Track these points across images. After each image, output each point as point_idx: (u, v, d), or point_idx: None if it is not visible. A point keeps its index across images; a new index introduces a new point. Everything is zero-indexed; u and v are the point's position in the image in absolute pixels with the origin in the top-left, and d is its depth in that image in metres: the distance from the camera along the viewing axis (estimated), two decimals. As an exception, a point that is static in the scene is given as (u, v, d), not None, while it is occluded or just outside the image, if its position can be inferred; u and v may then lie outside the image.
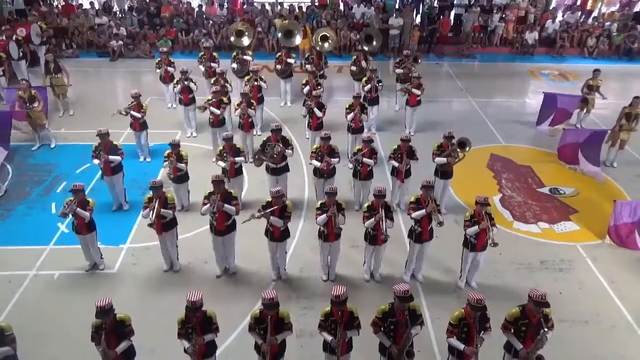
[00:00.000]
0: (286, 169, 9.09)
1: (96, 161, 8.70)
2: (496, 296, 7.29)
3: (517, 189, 10.32)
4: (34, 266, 7.91)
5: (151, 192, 7.25)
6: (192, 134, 11.88)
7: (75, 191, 7.16)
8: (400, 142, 8.73)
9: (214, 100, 10.37)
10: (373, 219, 6.95)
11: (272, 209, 6.97)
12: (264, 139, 8.96)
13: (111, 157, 8.66)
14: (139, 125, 10.48)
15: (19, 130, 11.42)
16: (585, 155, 10.72)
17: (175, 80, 11.58)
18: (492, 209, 9.23)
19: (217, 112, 10.34)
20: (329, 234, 7.24)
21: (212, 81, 11.70)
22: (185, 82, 11.24)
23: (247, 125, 10.42)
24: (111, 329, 5.22)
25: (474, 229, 6.91)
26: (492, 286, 7.64)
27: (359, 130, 10.43)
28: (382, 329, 5.42)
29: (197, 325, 5.31)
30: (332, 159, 8.73)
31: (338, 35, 17.66)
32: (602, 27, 19.09)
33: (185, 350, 5.37)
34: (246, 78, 11.75)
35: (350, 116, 10.20)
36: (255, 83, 11.47)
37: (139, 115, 10.31)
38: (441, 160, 8.70)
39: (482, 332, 5.36)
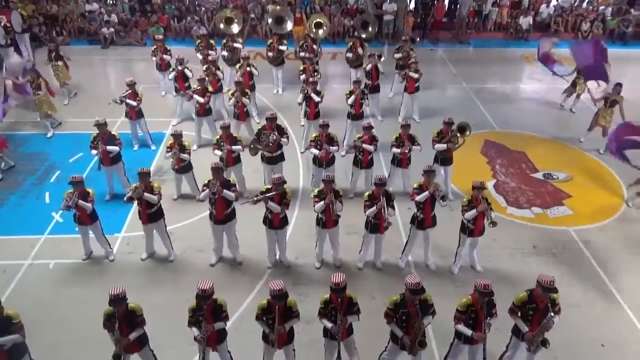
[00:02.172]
0: (281, 157, 9.07)
1: (94, 152, 8.65)
2: (491, 281, 7.39)
3: (511, 174, 10.37)
4: (29, 256, 7.90)
5: (138, 180, 7.25)
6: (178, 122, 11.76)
7: (75, 183, 7.13)
8: (401, 130, 8.75)
9: (199, 88, 10.29)
10: (374, 207, 6.98)
11: (271, 194, 6.98)
12: (260, 127, 8.94)
13: (109, 148, 8.62)
14: (135, 114, 10.41)
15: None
16: None
17: (171, 68, 11.48)
18: (487, 194, 9.32)
19: (202, 100, 10.25)
20: (327, 220, 7.26)
21: (203, 69, 11.63)
22: (180, 67, 11.17)
23: (242, 114, 10.34)
24: (123, 318, 5.26)
25: (472, 212, 6.96)
26: (486, 271, 7.70)
27: (359, 117, 10.39)
28: (394, 319, 5.46)
29: (208, 313, 5.33)
30: (331, 147, 8.72)
31: (332, 22, 17.55)
32: (596, 12, 19.08)
33: (195, 338, 5.40)
34: (237, 65, 11.66)
35: (351, 99, 10.16)
36: (247, 69, 11.39)
37: (134, 103, 10.24)
38: (441, 146, 8.72)
39: (489, 317, 5.42)
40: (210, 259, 7.82)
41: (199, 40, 12.94)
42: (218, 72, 11.36)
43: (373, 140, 8.75)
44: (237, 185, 7.49)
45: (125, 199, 7.30)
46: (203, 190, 7.16)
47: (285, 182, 7.10)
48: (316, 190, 7.22)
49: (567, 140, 11.60)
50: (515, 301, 5.57)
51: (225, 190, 7.08)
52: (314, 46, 13.17)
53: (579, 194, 9.73)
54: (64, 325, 6.67)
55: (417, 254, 7.91)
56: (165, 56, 12.55)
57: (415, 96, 11.87)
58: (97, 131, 8.65)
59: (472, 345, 5.63)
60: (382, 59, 11.89)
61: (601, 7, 19.25)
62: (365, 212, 7.10)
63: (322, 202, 7.02)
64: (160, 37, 13.12)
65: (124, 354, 5.31)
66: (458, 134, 8.65)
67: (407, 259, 7.86)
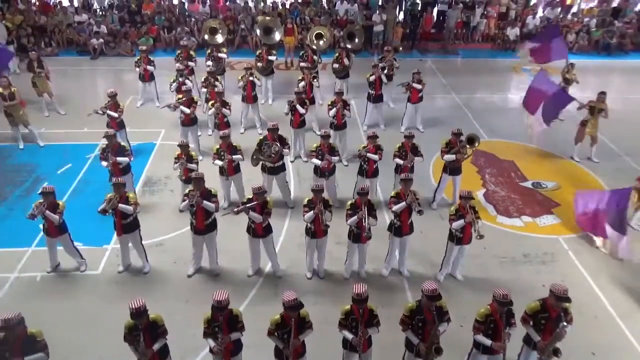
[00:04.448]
0: (283, 168, 9.08)
1: (104, 163, 8.56)
2: (481, 289, 7.40)
3: (500, 183, 10.44)
4: (16, 269, 7.77)
5: (113, 190, 7.17)
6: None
7: (45, 194, 7.07)
8: (404, 139, 8.82)
9: (184, 99, 10.26)
10: (356, 216, 6.98)
11: (252, 204, 6.96)
12: (261, 138, 8.93)
13: (119, 159, 8.55)
14: (117, 125, 10.32)
15: None
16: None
17: (172, 80, 11.46)
18: (477, 203, 9.36)
19: (188, 111, 10.21)
20: (316, 230, 7.25)
21: (202, 80, 11.60)
22: (181, 79, 11.18)
23: (222, 125, 10.30)
24: (146, 329, 5.23)
25: (460, 222, 6.98)
26: (477, 280, 7.73)
27: (342, 127, 10.48)
28: (410, 326, 5.44)
29: (224, 323, 5.29)
30: (332, 157, 8.73)
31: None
32: (582, 23, 19.42)
33: (210, 350, 5.36)
34: (240, 75, 11.67)
35: (332, 112, 10.24)
36: (250, 79, 11.40)
37: (115, 114, 10.17)
38: (450, 157, 8.77)
39: (508, 327, 5.40)
40: (196, 270, 7.77)
41: (179, 51, 13.04)
42: (217, 84, 11.35)
43: (378, 149, 8.78)
44: (217, 197, 7.38)
45: (99, 209, 7.13)
46: (183, 201, 7.12)
47: (266, 191, 7.09)
48: (306, 200, 7.22)
49: (555, 149, 11.72)
50: (528, 310, 5.56)
51: (205, 201, 7.04)
52: (314, 57, 13.29)
53: (568, 202, 9.79)
54: (52, 338, 6.49)
55: (408, 262, 7.93)
56: (148, 67, 12.61)
57: (418, 106, 11.98)
58: (107, 142, 8.58)
59: (491, 356, 5.61)
60: (386, 70, 12.02)
61: (586, 19, 19.61)
62: (347, 221, 7.11)
63: (311, 212, 7.02)
64: (144, 48, 13.15)
65: None
66: (467, 145, 8.70)
67: (392, 266, 7.86)
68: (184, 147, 8.56)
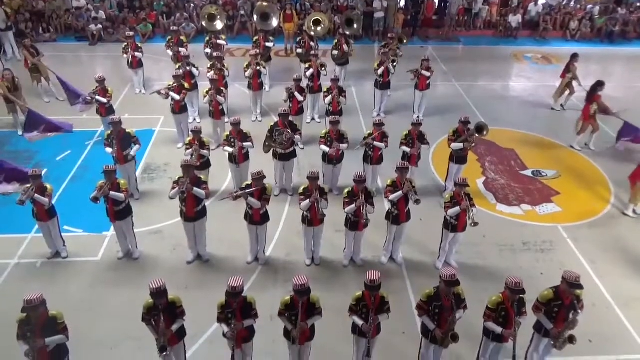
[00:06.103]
0: (294, 154, 9.05)
1: (109, 150, 8.50)
2: (480, 277, 7.45)
3: (500, 171, 10.42)
4: (16, 255, 7.79)
5: (104, 177, 7.11)
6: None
7: (33, 177, 7.03)
8: (411, 127, 8.78)
9: (175, 85, 10.14)
10: (354, 204, 6.96)
11: (251, 190, 6.94)
12: (267, 125, 8.89)
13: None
14: (105, 111, 10.25)
15: None
16: None
17: (177, 66, 11.35)
18: (476, 191, 9.38)
19: (178, 97, 10.09)
20: (313, 219, 7.24)
21: (208, 65, 11.45)
22: (187, 67, 11.08)
23: (217, 113, 10.23)
24: (165, 310, 5.26)
25: (455, 209, 6.98)
26: (475, 267, 7.75)
27: (337, 114, 10.40)
28: (427, 312, 5.45)
29: (237, 310, 5.30)
30: (341, 145, 8.70)
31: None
32: (585, 10, 19.26)
33: (224, 335, 5.39)
34: (245, 64, 11.55)
35: (328, 99, 10.18)
36: (257, 68, 11.28)
37: (104, 100, 10.10)
38: (458, 145, 8.74)
39: (518, 316, 5.40)
40: (186, 256, 7.78)
41: (169, 37, 12.90)
42: (224, 69, 11.21)
43: (384, 136, 8.74)
44: (207, 184, 7.38)
45: (90, 197, 7.06)
46: (173, 188, 7.08)
47: (264, 177, 7.06)
48: (302, 188, 7.19)
49: (556, 137, 11.69)
50: (540, 299, 5.55)
51: (195, 188, 7.01)
52: (311, 43, 13.15)
53: (568, 191, 9.80)
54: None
55: (407, 250, 7.95)
56: (136, 53, 12.53)
57: (425, 94, 11.93)
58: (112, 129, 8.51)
59: (499, 344, 5.63)
60: (395, 63, 11.92)
61: (589, 6, 19.43)
62: (344, 209, 7.10)
63: (307, 201, 7.00)
64: (130, 33, 13.06)
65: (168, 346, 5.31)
66: (476, 134, 8.64)
67: (390, 254, 7.88)
68: (197, 133, 8.48)
